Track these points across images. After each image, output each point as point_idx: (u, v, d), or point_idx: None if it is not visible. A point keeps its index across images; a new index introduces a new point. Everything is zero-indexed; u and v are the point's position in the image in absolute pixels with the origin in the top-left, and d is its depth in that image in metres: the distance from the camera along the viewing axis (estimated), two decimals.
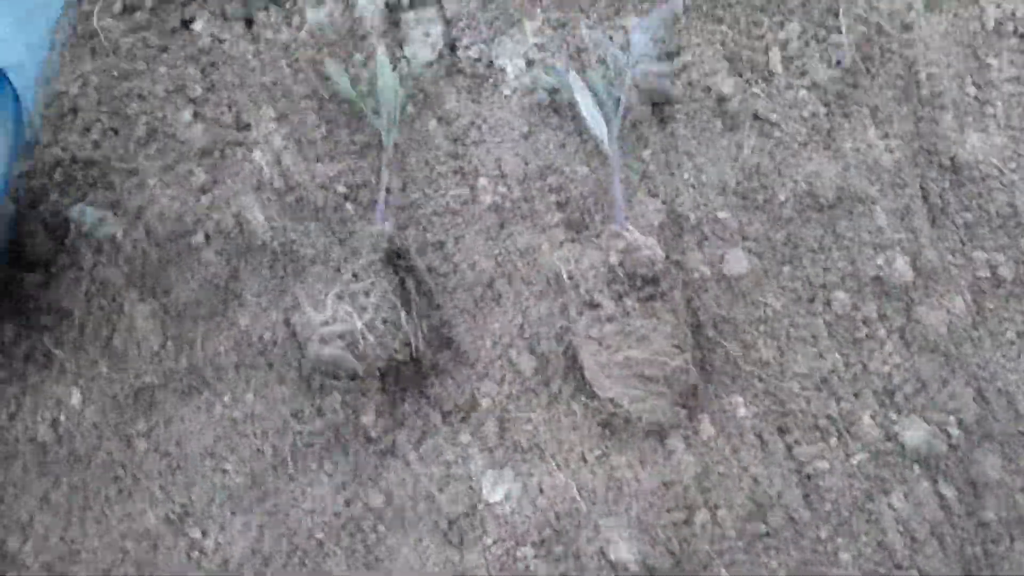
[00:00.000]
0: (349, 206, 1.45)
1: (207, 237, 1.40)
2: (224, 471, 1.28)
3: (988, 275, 1.57)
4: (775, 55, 1.62)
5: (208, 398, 1.33)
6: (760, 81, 1.60)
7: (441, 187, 1.47)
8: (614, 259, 1.28)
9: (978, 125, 1.71)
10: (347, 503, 1.24)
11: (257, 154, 1.45)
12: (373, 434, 1.29)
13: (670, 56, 1.55)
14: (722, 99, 1.56)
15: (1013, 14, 1.81)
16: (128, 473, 1.30)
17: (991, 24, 1.80)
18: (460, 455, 1.28)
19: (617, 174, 1.39)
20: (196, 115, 1.50)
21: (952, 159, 1.65)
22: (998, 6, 1.81)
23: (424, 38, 1.55)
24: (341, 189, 1.46)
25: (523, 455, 1.29)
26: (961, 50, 1.78)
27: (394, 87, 1.42)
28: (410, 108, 1.55)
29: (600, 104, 1.40)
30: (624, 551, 1.18)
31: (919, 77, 1.74)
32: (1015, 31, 1.81)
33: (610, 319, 1.26)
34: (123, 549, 1.24)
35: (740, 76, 1.59)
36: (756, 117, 1.56)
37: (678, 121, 1.54)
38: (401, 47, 1.55)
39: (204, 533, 1.25)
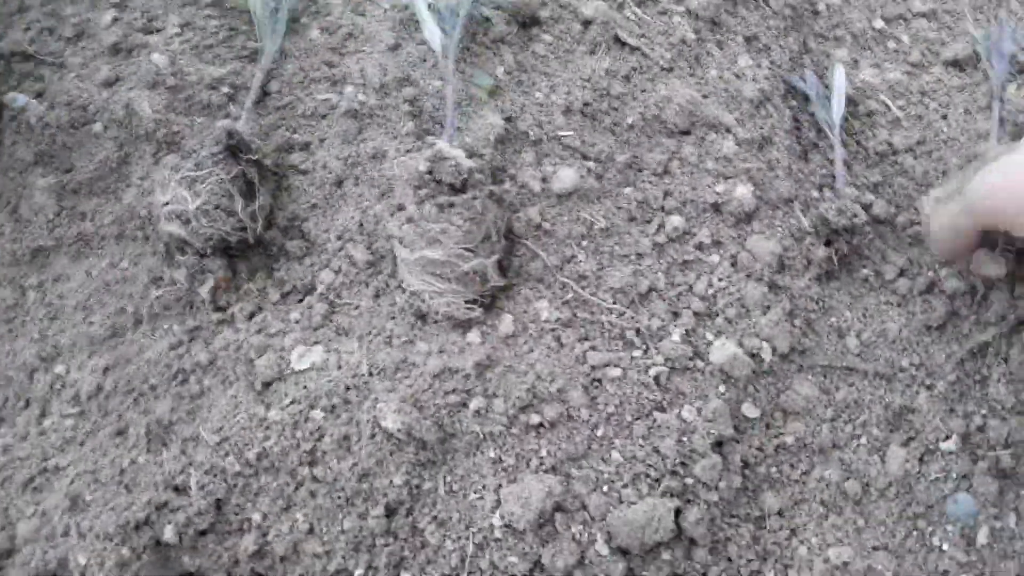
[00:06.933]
0: (232, 106, 1.64)
1: (104, 126, 1.62)
2: (91, 323, 1.53)
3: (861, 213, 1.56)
4: None
5: (92, 262, 1.58)
6: (634, 4, 1.64)
7: (312, 92, 1.62)
8: (423, 167, 1.40)
9: (873, 59, 1.67)
10: (179, 357, 1.46)
11: (156, 55, 1.65)
12: (215, 303, 1.49)
13: None
14: (587, 22, 1.61)
15: None
16: (18, 317, 1.57)
17: None
18: (283, 329, 1.46)
19: (451, 87, 1.49)
20: (115, 19, 1.71)
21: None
22: None
23: None
24: (226, 90, 1.64)
25: (339, 335, 1.46)
26: None
27: None
28: (304, 19, 1.70)
29: (443, 21, 1.49)
30: (391, 421, 1.33)
31: (817, 8, 1.71)
32: None
33: (409, 220, 1.39)
34: (7, 377, 1.52)
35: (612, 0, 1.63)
36: (617, 40, 1.60)
37: (541, 41, 1.61)
38: None
39: (67, 370, 1.50)
